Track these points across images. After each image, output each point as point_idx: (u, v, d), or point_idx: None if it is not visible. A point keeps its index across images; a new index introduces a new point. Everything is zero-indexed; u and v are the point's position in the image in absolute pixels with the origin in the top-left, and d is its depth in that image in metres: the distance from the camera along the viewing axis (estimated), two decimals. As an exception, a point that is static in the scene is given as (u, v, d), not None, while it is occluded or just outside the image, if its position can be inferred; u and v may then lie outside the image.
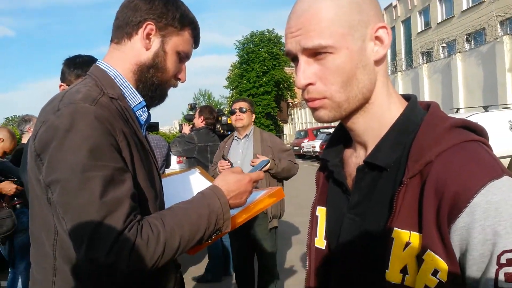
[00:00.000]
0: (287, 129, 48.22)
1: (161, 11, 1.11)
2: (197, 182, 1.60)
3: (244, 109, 3.46)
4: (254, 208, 1.26)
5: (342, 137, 0.91)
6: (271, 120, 43.91)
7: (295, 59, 0.76)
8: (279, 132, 47.52)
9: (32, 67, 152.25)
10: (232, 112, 3.53)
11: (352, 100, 0.74)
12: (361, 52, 0.72)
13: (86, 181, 0.91)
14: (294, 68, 0.79)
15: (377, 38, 0.74)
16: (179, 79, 1.21)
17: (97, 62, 1.15)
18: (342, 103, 0.74)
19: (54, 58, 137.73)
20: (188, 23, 1.16)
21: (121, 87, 1.11)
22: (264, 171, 3.25)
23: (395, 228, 0.70)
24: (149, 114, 1.21)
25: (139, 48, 1.11)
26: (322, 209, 0.94)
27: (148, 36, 1.11)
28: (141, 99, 1.15)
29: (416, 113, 0.78)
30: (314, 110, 0.77)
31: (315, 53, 0.73)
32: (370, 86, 0.75)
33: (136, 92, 1.14)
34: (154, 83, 1.14)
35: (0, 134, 3.59)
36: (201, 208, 1.06)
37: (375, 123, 0.79)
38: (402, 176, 0.71)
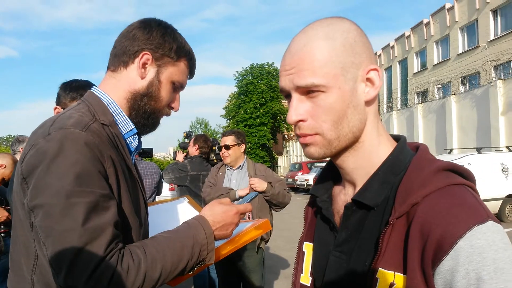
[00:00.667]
0: (281, 161, 48.25)
1: (158, 42, 1.13)
2: (185, 211, 1.58)
3: (228, 146, 3.47)
4: (240, 240, 1.25)
5: (332, 174, 0.91)
6: (266, 151, 43.97)
7: (288, 95, 0.78)
8: (273, 163, 47.45)
9: (32, 87, 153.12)
10: (220, 148, 3.55)
11: (342, 138, 0.76)
12: (353, 93, 0.74)
13: (70, 206, 0.90)
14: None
15: (368, 79, 0.76)
16: (172, 108, 1.23)
17: (92, 88, 1.17)
18: (333, 141, 0.76)
19: (54, 79, 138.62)
20: (184, 54, 1.18)
21: (113, 114, 1.12)
22: (260, 193, 3.25)
23: (380, 269, 0.70)
24: (139, 142, 1.22)
25: (134, 77, 1.13)
26: (309, 245, 0.93)
27: (144, 65, 1.13)
28: (133, 127, 1.16)
29: (405, 154, 0.79)
30: (305, 146, 0.79)
31: (307, 91, 0.74)
32: (360, 125, 0.77)
33: (128, 120, 1.15)
34: (147, 111, 1.16)
35: (3, 160, 3.48)
36: (185, 239, 1.05)
37: (365, 162, 0.80)
38: (389, 216, 0.71)
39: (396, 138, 0.84)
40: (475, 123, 17.97)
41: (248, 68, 43.88)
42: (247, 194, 3.20)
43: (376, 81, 0.76)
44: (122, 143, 1.11)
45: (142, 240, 1.07)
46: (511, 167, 10.71)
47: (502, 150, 12.72)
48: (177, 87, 1.20)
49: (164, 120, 1.25)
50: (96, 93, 1.14)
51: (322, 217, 0.89)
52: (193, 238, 1.06)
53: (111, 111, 1.12)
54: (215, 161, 4.53)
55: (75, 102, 1.16)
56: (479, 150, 11.27)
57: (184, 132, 5.70)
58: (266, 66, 43.89)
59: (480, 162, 10.45)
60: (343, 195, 0.86)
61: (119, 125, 1.13)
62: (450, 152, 12.93)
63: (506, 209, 10.51)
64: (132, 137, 1.17)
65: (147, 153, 4.36)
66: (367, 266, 0.72)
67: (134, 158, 1.22)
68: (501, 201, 10.44)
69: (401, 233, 0.69)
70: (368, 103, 0.77)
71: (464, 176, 0.74)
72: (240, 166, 3.52)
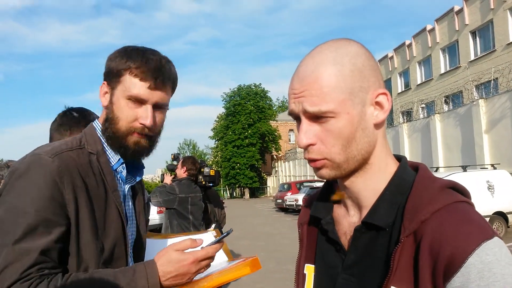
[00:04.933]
0: (270, 181, 48.16)
1: (106, 70, 1.19)
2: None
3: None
4: (221, 278, 1.17)
5: (330, 194, 0.91)
6: (255, 172, 43.94)
7: (297, 118, 0.79)
8: (262, 184, 47.36)
9: (19, 111, 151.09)
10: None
11: (351, 160, 0.77)
12: (361, 116, 0.76)
13: (15, 224, 0.97)
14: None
15: (377, 103, 0.77)
16: (142, 124, 1.15)
17: (95, 120, 1.25)
18: (341, 164, 0.77)
19: (42, 102, 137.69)
20: (126, 67, 1.13)
21: (104, 145, 1.19)
22: None
23: (392, 287, 0.70)
24: (141, 169, 1.29)
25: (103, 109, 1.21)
26: (311, 266, 0.91)
27: (104, 94, 1.19)
28: (119, 157, 1.20)
29: (408, 174, 0.80)
30: (316, 169, 0.80)
31: (317, 116, 0.75)
32: (369, 148, 0.78)
33: (111, 150, 1.20)
34: (111, 135, 1.17)
35: None
36: (123, 284, 1.03)
37: (372, 183, 0.80)
38: (398, 235, 0.72)
39: (398, 158, 0.86)
40: (459, 141, 18.27)
41: (235, 89, 44.32)
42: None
43: (385, 105, 0.77)
44: (107, 170, 1.16)
45: (97, 268, 1.07)
46: (496, 185, 10.87)
47: (487, 168, 12.91)
48: (137, 100, 1.14)
49: None
50: (94, 125, 1.23)
51: (328, 239, 0.87)
52: (128, 286, 1.03)
53: (102, 141, 1.19)
54: (204, 183, 4.50)
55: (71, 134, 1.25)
56: (464, 168, 11.42)
57: (171, 154, 5.66)
58: (253, 87, 44.34)
59: (466, 180, 10.57)
60: (349, 217, 0.85)
61: (109, 156, 1.19)
62: (436, 171, 13.07)
63: (494, 226, 10.61)
64: (122, 166, 1.21)
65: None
66: (379, 285, 0.73)
67: (126, 186, 1.25)
68: (489, 218, 10.56)
69: (411, 251, 0.70)
70: (377, 126, 0.78)
71: (463, 193, 0.76)
72: None
